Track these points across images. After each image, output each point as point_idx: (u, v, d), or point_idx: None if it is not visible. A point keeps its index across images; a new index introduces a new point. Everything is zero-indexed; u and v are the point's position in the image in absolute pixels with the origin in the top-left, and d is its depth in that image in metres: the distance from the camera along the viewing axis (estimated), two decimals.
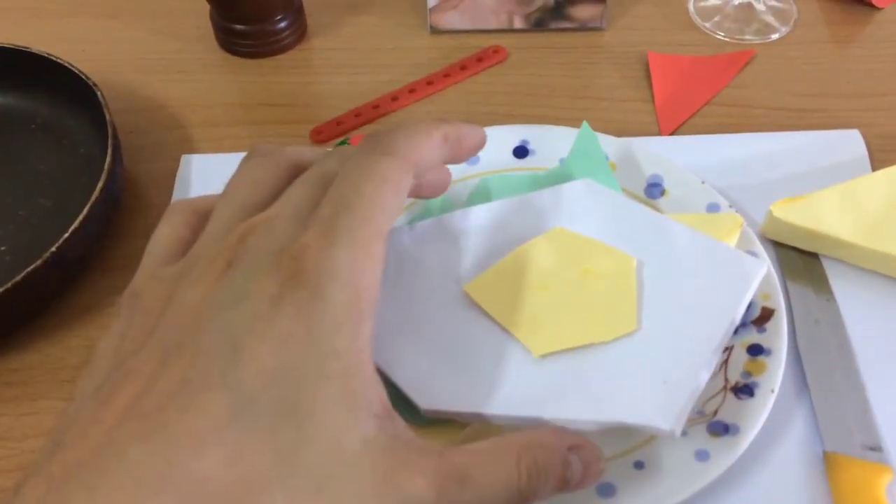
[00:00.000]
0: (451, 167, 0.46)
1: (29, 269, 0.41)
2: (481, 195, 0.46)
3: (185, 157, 0.52)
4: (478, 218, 0.42)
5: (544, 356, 0.36)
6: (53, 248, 0.42)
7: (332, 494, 0.25)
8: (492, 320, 0.38)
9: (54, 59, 0.51)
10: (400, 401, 0.35)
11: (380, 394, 0.27)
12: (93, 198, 0.44)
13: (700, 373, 0.34)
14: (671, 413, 0.33)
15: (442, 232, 0.41)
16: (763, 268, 0.38)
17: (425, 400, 0.35)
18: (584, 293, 0.38)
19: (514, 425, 0.34)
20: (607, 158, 0.48)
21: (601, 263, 0.39)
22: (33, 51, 0.52)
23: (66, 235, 0.42)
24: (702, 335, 0.36)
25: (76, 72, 0.51)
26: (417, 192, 0.35)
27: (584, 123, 0.47)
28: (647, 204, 0.45)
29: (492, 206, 0.42)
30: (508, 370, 0.36)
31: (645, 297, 0.37)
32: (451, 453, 0.27)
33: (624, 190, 0.46)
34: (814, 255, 0.45)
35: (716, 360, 0.36)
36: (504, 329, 0.37)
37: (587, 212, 0.42)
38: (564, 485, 0.29)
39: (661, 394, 0.34)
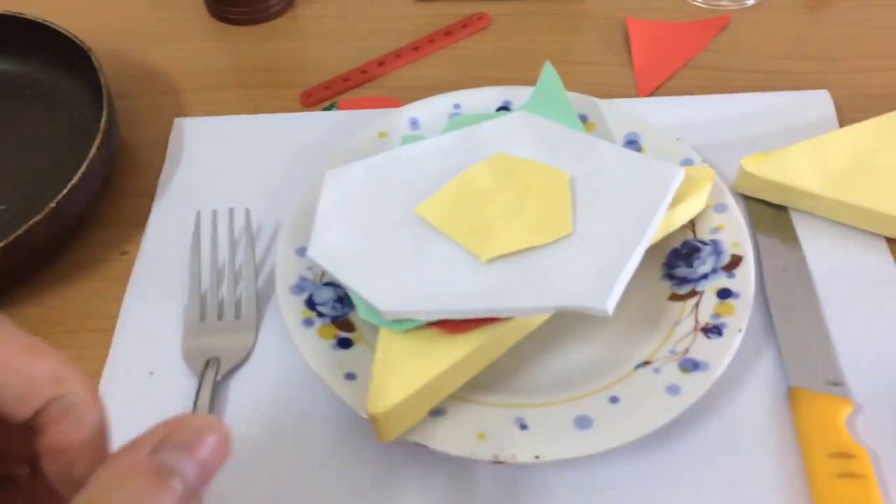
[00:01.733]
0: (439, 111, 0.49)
1: (31, 222, 0.42)
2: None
3: (177, 121, 0.54)
4: (425, 150, 0.46)
5: (491, 260, 0.39)
6: (53, 204, 0.43)
7: None
8: (443, 236, 0.41)
9: (49, 24, 0.53)
10: (368, 308, 0.39)
11: None
12: (90, 155, 0.45)
13: (629, 261, 0.38)
14: (604, 295, 0.37)
15: (393, 164, 0.45)
16: (680, 173, 0.42)
17: (387, 304, 0.38)
18: (523, 205, 0.42)
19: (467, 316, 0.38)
20: (587, 118, 0.50)
21: (538, 179, 0.43)
22: (28, 17, 0.53)
23: (66, 191, 0.44)
24: (630, 232, 0.40)
25: (71, 37, 0.52)
26: None
27: (547, 63, 0.49)
28: None
29: (438, 140, 0.46)
30: (461, 274, 0.39)
31: (578, 204, 0.42)
32: None
33: None
34: (782, 209, 0.47)
35: (642, 251, 0.39)
36: (454, 242, 0.41)
37: (523, 138, 0.46)
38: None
39: (595, 281, 0.38)
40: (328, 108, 0.55)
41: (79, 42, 0.52)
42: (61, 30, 0.52)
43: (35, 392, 0.25)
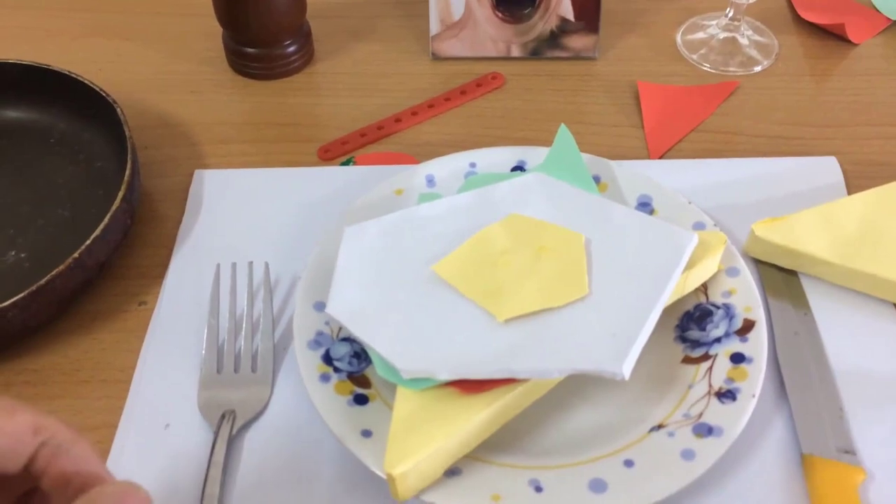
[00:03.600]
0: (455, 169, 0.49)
1: (54, 272, 0.43)
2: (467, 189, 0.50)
3: (197, 172, 0.55)
4: (442, 209, 0.47)
5: (508, 321, 0.40)
6: (76, 254, 0.44)
7: None
8: (459, 294, 0.42)
9: (75, 76, 0.54)
10: (386, 366, 0.39)
11: None
12: (113, 207, 0.46)
13: (643, 326, 0.39)
14: (620, 359, 0.37)
15: (411, 222, 0.46)
16: (694, 239, 0.43)
17: (405, 364, 0.39)
18: (539, 266, 0.42)
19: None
20: (599, 179, 0.51)
21: (553, 240, 0.43)
22: (55, 69, 0.54)
23: (89, 242, 0.45)
24: (644, 295, 0.40)
25: (97, 89, 0.53)
26: None
27: (562, 125, 0.51)
28: None
29: (454, 199, 0.47)
30: (477, 334, 0.40)
31: (593, 266, 0.42)
32: None
33: None
34: (793, 273, 0.48)
35: (657, 315, 0.40)
36: (471, 301, 0.41)
37: (539, 200, 0.46)
38: None
39: (611, 345, 0.38)
40: (345, 164, 0.56)
41: (105, 95, 0.53)
42: (88, 82, 0.54)
43: (21, 446, 0.28)
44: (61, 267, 0.44)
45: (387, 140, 0.58)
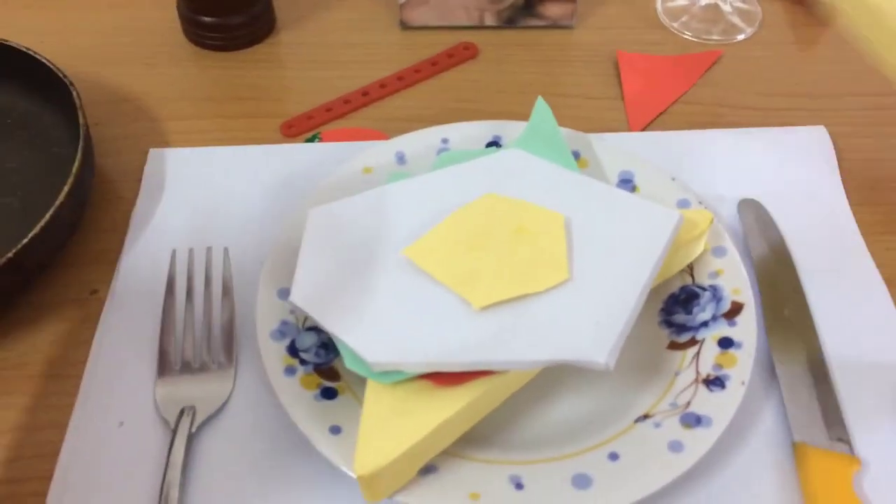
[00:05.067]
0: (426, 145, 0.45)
1: None
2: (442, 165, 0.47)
3: (152, 151, 0.51)
4: (414, 188, 0.44)
5: (484, 308, 0.37)
6: (10, 254, 0.40)
7: None
8: (433, 280, 0.39)
9: (32, 53, 0.50)
10: (355, 358, 0.36)
11: None
12: (58, 202, 0.42)
13: (628, 312, 0.37)
14: (604, 348, 0.35)
15: (380, 202, 0.43)
16: (676, 217, 0.41)
17: (374, 355, 0.36)
18: (518, 249, 0.40)
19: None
20: (579, 155, 0.48)
21: (532, 221, 0.41)
22: (12, 44, 0.50)
23: (25, 241, 0.40)
24: (628, 279, 0.38)
25: (54, 69, 0.49)
26: None
27: (539, 98, 0.48)
28: None
29: (427, 177, 0.44)
30: (451, 323, 0.37)
31: (574, 249, 0.40)
32: None
33: None
34: (783, 248, 0.46)
35: (642, 300, 0.38)
36: (445, 287, 0.38)
37: (516, 177, 0.44)
38: None
39: (594, 333, 0.36)
40: (311, 140, 0.53)
41: (62, 75, 0.49)
42: (45, 60, 0.49)
43: None
44: None
45: (354, 115, 0.55)
